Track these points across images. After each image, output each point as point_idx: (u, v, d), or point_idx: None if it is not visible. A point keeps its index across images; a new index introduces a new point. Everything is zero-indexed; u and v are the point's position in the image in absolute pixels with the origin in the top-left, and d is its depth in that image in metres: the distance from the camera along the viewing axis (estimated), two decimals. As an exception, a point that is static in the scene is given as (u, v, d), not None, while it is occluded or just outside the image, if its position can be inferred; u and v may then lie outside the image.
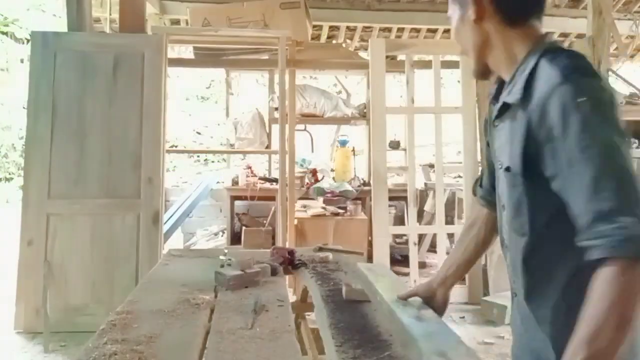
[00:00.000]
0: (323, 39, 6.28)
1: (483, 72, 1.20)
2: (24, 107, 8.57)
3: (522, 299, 1.12)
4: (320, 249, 2.47)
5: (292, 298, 2.68)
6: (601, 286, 0.87)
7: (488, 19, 1.10)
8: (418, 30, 6.24)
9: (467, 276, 4.30)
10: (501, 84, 1.17)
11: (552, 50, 1.03)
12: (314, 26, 5.47)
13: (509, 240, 1.14)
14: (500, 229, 1.19)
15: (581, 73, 0.96)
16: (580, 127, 0.91)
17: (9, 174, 9.19)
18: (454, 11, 1.17)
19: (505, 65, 1.13)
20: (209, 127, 10.30)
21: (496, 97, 1.17)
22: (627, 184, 0.89)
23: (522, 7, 1.10)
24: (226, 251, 2.57)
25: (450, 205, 5.02)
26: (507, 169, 1.08)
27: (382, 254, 4.15)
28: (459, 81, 4.81)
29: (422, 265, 5.00)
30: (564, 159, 0.94)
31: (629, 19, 5.60)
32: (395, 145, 5.60)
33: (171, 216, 5.22)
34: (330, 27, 6.15)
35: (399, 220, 5.69)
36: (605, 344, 0.84)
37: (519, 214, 1.08)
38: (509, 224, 1.12)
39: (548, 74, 0.98)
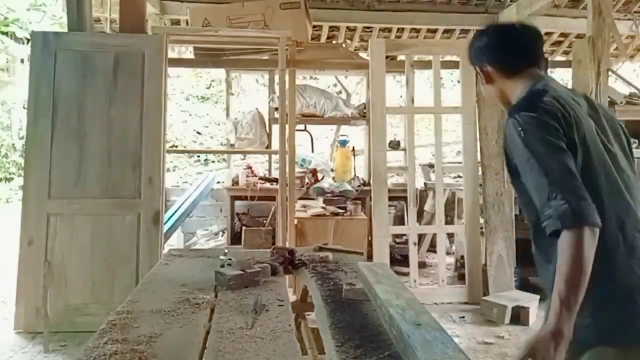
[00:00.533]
0: (323, 39, 6.28)
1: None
2: (24, 107, 8.58)
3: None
4: (320, 249, 2.47)
5: (292, 298, 2.68)
6: (558, 253, 1.22)
7: (496, 78, 1.53)
8: (418, 31, 6.24)
9: (467, 276, 4.31)
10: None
11: (517, 103, 1.45)
12: (314, 26, 5.47)
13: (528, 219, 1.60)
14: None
15: (519, 109, 1.37)
16: (521, 147, 1.32)
17: (9, 174, 9.19)
18: (480, 79, 1.59)
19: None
20: (209, 127, 10.30)
21: None
22: (556, 179, 1.25)
23: (512, 65, 1.51)
24: (226, 251, 2.57)
25: (450, 205, 5.02)
26: (512, 178, 1.50)
27: (382, 254, 4.15)
28: (459, 81, 4.82)
29: (422, 265, 5.00)
30: (520, 170, 1.35)
31: (629, 19, 5.60)
32: (395, 145, 5.60)
33: (171, 216, 5.22)
34: (330, 27, 6.15)
35: (399, 220, 5.69)
36: (565, 288, 1.19)
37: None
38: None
39: (506, 120, 1.41)
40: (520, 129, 1.32)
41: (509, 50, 1.52)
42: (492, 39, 1.54)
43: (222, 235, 5.71)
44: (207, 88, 11.40)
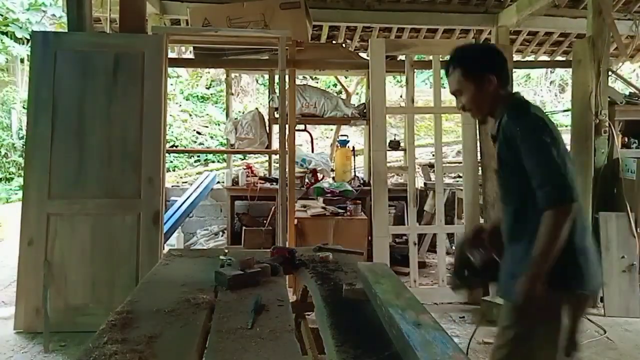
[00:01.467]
0: (323, 39, 6.28)
1: (485, 120, 2.00)
2: (24, 107, 8.58)
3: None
4: (320, 249, 2.47)
5: (292, 298, 2.68)
6: (543, 223, 1.64)
7: (492, 87, 1.85)
8: (418, 30, 6.24)
9: (467, 276, 4.30)
10: (483, 120, 2.02)
11: (512, 105, 1.84)
12: (314, 26, 5.46)
13: (502, 201, 1.94)
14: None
15: (524, 112, 1.79)
16: (529, 135, 1.72)
17: (9, 174, 9.18)
18: (466, 86, 1.86)
19: (498, 113, 1.86)
20: (209, 127, 10.30)
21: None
22: (549, 167, 1.66)
23: (506, 79, 1.90)
24: (226, 251, 2.57)
25: (450, 205, 5.03)
26: (495, 170, 1.95)
27: (382, 254, 4.14)
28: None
29: (422, 265, 5.00)
30: (525, 156, 1.71)
31: (629, 19, 5.59)
32: (395, 145, 5.60)
33: (171, 216, 5.21)
34: (330, 27, 6.15)
35: (399, 220, 5.69)
36: (547, 249, 1.62)
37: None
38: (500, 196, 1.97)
39: (512, 117, 1.79)
40: (540, 123, 1.73)
41: (507, 67, 1.92)
42: (499, 55, 1.91)
43: (222, 235, 5.71)
44: (207, 88, 11.40)
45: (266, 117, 5.55)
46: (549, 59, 6.98)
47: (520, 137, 1.71)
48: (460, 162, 4.61)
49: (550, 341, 1.69)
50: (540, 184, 1.66)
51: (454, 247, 5.16)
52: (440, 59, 4.60)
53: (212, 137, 10.06)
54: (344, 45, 6.15)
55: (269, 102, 5.34)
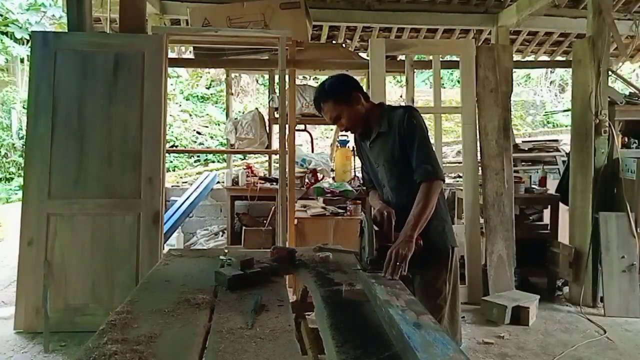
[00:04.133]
0: (323, 39, 6.28)
1: (366, 132, 2.32)
2: (24, 107, 8.58)
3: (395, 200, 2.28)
4: (320, 249, 2.47)
5: (292, 298, 2.68)
6: (420, 193, 2.08)
7: (362, 103, 2.26)
8: (418, 31, 6.25)
9: (467, 276, 4.31)
10: (364, 132, 2.32)
11: (389, 108, 2.32)
12: (314, 26, 5.47)
13: (395, 187, 2.27)
14: (383, 188, 2.35)
15: (410, 109, 2.26)
16: (417, 132, 2.16)
17: (9, 174, 9.19)
18: (341, 110, 2.23)
19: (376, 121, 2.27)
20: (209, 127, 10.30)
21: (363, 136, 2.35)
22: (430, 153, 2.16)
23: (364, 93, 2.30)
24: (226, 251, 2.57)
25: (450, 205, 5.01)
26: (387, 161, 2.25)
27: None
28: (459, 81, 4.82)
29: (422, 265, 4.99)
30: (413, 144, 2.15)
31: (629, 19, 5.60)
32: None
33: (171, 216, 5.21)
34: (330, 27, 6.15)
35: (399, 220, 5.68)
36: (423, 213, 2.04)
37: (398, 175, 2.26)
38: (394, 181, 2.27)
39: (398, 115, 2.21)
40: (420, 119, 2.21)
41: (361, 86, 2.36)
42: (352, 78, 2.32)
43: (222, 235, 5.71)
44: (207, 88, 11.40)
45: (266, 117, 5.55)
46: (549, 59, 6.99)
47: (410, 132, 2.16)
48: (460, 162, 4.61)
49: (452, 282, 2.26)
50: (417, 165, 2.14)
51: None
52: (440, 59, 4.60)
53: (212, 137, 10.06)
54: (344, 45, 6.15)
55: (269, 102, 5.34)
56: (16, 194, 8.33)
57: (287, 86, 4.29)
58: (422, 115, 2.24)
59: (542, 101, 12.46)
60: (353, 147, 5.67)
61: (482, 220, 4.34)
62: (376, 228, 1.99)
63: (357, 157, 5.69)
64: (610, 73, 4.27)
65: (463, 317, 3.94)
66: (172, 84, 10.60)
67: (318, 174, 5.38)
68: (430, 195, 2.07)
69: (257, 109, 5.87)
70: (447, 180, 6.11)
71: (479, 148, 4.38)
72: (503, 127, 4.35)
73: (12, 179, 9.10)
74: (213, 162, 9.18)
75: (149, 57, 3.79)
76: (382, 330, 1.47)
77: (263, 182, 5.32)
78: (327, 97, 2.23)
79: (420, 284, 2.22)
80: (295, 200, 4.45)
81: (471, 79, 4.37)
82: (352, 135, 2.55)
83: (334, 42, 6.34)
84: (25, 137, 3.85)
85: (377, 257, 1.91)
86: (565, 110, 10.00)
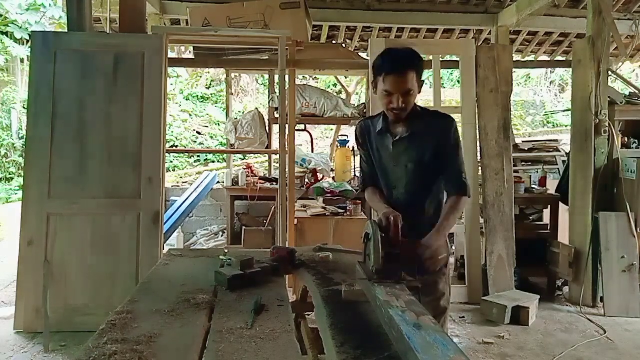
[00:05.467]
0: (323, 39, 6.28)
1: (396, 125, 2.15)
2: (24, 107, 8.58)
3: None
4: (320, 249, 2.47)
5: (292, 298, 2.68)
6: (453, 204, 2.08)
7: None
8: (418, 31, 6.24)
9: (467, 276, 4.31)
10: (386, 122, 2.15)
11: (424, 110, 2.16)
12: (314, 26, 5.47)
13: (411, 192, 2.15)
14: (393, 190, 2.20)
15: (453, 119, 2.15)
16: (459, 144, 2.15)
17: (9, 174, 9.19)
18: (415, 87, 2.00)
19: (411, 118, 2.09)
20: (209, 127, 10.30)
21: (388, 129, 2.14)
22: (464, 170, 2.14)
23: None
24: (226, 251, 2.57)
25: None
26: (413, 163, 2.11)
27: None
28: (459, 81, 4.82)
29: (422, 265, 4.98)
30: (453, 156, 2.12)
31: (629, 19, 5.60)
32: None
33: (171, 216, 5.21)
34: (330, 27, 6.15)
35: (399, 220, 5.68)
36: (452, 224, 2.08)
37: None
38: (413, 186, 2.14)
39: (441, 122, 2.13)
40: (457, 134, 2.14)
41: None
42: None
43: (222, 235, 5.71)
44: (207, 88, 11.40)
45: (266, 117, 5.55)
46: (549, 59, 6.99)
47: (449, 142, 2.10)
48: (460, 162, 4.60)
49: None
50: (454, 177, 2.12)
51: (453, 247, 5.16)
52: (440, 59, 4.60)
53: (212, 137, 10.06)
54: (344, 45, 6.15)
55: (269, 102, 5.34)
56: (16, 194, 8.33)
57: (287, 86, 4.29)
58: None
59: (542, 101, 12.46)
60: (353, 147, 5.68)
61: (482, 220, 4.34)
62: (381, 234, 1.85)
63: (356, 152, 5.75)
64: (610, 73, 4.27)
65: (463, 317, 3.94)
66: (172, 84, 10.60)
67: (318, 174, 5.38)
68: (460, 209, 2.09)
69: (257, 109, 5.87)
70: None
71: (479, 148, 4.39)
72: (503, 127, 4.36)
73: (12, 179, 9.11)
74: (213, 162, 9.18)
75: (149, 57, 3.79)
76: (382, 330, 1.46)
77: (263, 182, 5.32)
78: (417, 67, 2.00)
79: (422, 288, 2.20)
80: (295, 200, 4.45)
81: (471, 79, 4.37)
82: (354, 130, 2.36)
83: (334, 42, 6.34)
84: (25, 137, 3.85)
85: (383, 266, 1.76)
86: (565, 110, 10.00)
